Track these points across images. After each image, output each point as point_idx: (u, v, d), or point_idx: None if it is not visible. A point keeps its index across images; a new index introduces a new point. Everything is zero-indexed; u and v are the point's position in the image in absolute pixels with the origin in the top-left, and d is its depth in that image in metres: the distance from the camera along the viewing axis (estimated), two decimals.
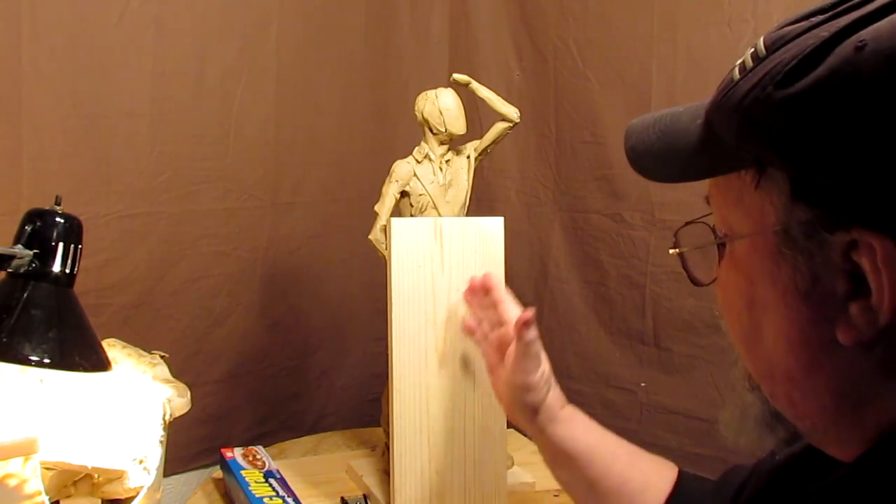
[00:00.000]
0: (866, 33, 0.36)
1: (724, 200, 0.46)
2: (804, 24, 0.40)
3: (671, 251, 0.52)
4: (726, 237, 0.47)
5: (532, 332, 0.80)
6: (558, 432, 0.78)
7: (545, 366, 0.81)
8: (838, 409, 0.42)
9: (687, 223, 0.52)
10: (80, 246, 0.83)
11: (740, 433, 0.50)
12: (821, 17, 0.39)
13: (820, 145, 0.38)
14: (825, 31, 0.38)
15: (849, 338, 0.39)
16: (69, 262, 0.82)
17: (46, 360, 0.77)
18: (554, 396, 0.80)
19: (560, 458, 0.79)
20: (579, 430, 0.78)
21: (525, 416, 0.81)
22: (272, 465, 1.13)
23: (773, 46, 0.41)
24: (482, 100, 1.13)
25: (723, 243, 0.47)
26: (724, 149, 0.43)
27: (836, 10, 0.39)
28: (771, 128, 0.39)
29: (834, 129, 0.37)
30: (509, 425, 1.08)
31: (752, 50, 0.42)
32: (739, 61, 0.44)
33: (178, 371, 1.00)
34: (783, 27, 0.41)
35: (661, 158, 0.49)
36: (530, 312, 0.81)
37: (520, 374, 0.80)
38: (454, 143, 1.13)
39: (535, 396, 0.79)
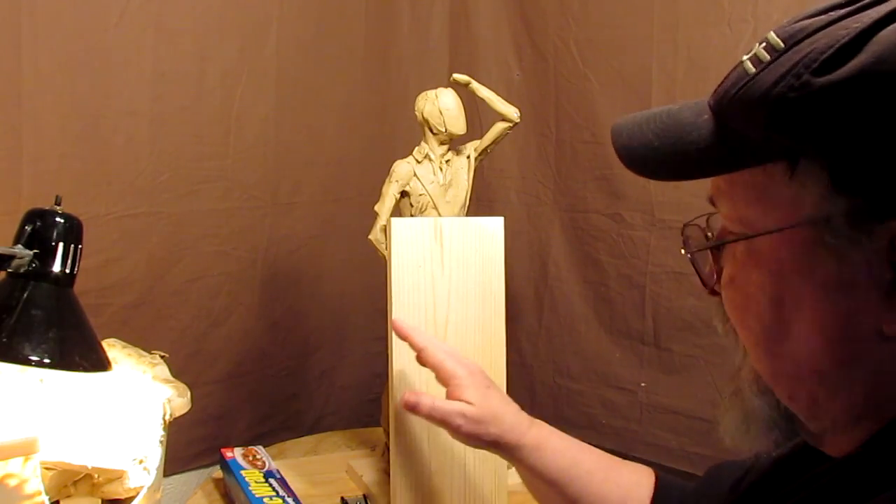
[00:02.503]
0: None
1: (742, 196, 0.45)
2: (823, 18, 0.40)
3: (683, 252, 0.50)
4: (740, 235, 0.45)
5: (421, 408, 0.78)
6: (527, 462, 0.75)
7: (469, 411, 0.77)
8: (867, 406, 0.42)
9: (686, 224, 0.51)
10: (80, 246, 0.83)
11: (744, 439, 0.49)
12: (842, 12, 0.40)
13: (865, 132, 0.37)
14: (857, 23, 0.38)
15: (894, 329, 0.39)
16: (69, 262, 0.82)
17: (46, 360, 0.77)
18: (505, 430, 0.76)
19: (535, 485, 0.78)
20: (548, 456, 0.75)
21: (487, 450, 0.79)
22: (272, 465, 1.13)
23: (791, 40, 0.41)
24: (482, 100, 1.13)
25: (725, 242, 0.46)
26: (742, 143, 0.42)
27: (859, 5, 0.39)
28: (809, 116, 0.39)
29: (880, 116, 0.37)
30: None
31: (764, 44, 0.42)
32: (748, 56, 0.43)
33: (178, 371, 1.00)
34: (797, 22, 0.42)
35: (665, 156, 0.48)
36: (407, 396, 0.80)
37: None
38: (454, 143, 1.13)
39: (476, 442, 0.77)
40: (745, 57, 0.44)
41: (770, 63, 0.41)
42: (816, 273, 0.41)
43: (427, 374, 1.00)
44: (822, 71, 0.38)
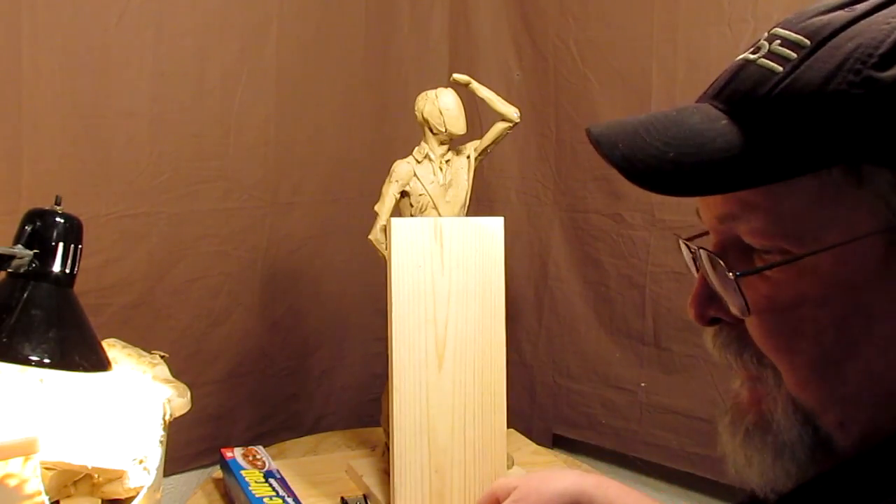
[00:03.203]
0: None
1: (790, 208, 0.40)
2: (844, 14, 0.39)
3: (730, 275, 0.42)
4: (787, 252, 0.41)
5: None
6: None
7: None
8: None
9: (699, 249, 0.46)
10: (80, 246, 0.83)
11: (771, 477, 0.44)
12: (863, 7, 0.39)
13: None
14: None
15: None
16: (69, 262, 0.82)
17: (46, 360, 0.77)
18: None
19: None
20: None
21: None
22: (272, 465, 1.13)
23: (817, 36, 0.39)
24: (482, 100, 1.13)
25: (787, 262, 0.41)
26: (789, 148, 0.39)
27: (878, 2, 0.39)
28: (876, 113, 0.37)
29: None
30: (509, 425, 1.08)
31: (779, 41, 0.41)
32: (758, 54, 0.41)
33: (178, 371, 1.00)
34: (809, 19, 0.41)
35: (686, 168, 0.41)
36: None
37: None
38: (454, 143, 1.13)
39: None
40: (751, 56, 0.42)
41: (804, 60, 0.39)
42: (894, 283, 0.39)
43: (426, 375, 1.00)
44: (883, 65, 0.37)
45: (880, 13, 0.39)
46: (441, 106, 1.08)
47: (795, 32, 0.40)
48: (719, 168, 0.40)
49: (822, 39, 0.39)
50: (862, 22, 0.39)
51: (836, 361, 0.40)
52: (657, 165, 0.42)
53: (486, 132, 1.13)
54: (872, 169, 0.38)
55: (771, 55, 0.41)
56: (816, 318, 0.40)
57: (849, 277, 0.39)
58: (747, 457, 0.45)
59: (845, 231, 0.39)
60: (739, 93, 0.42)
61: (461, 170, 1.12)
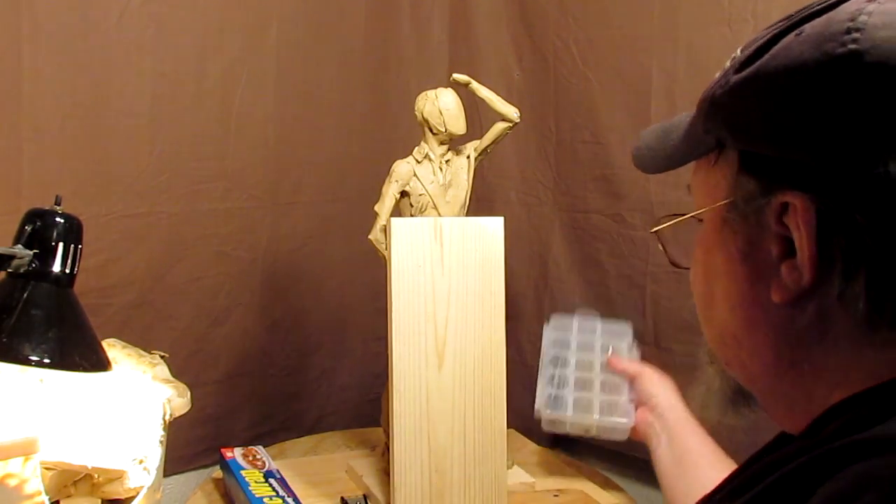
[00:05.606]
0: (809, 25, 0.41)
1: (695, 183, 0.51)
2: (772, 28, 0.45)
3: (651, 230, 0.57)
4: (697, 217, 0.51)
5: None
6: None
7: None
8: (779, 367, 0.45)
9: (670, 215, 0.56)
10: (80, 246, 0.83)
11: (705, 407, 0.55)
12: (784, 21, 0.44)
13: (758, 118, 0.42)
14: (780, 27, 0.43)
15: (779, 296, 0.43)
16: (69, 262, 0.82)
17: (46, 360, 0.77)
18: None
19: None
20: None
21: None
22: (272, 465, 1.14)
23: (745, 48, 0.46)
24: (482, 100, 1.13)
25: (674, 221, 0.52)
26: (696, 135, 0.49)
27: (795, 14, 0.44)
28: (725, 108, 0.45)
29: (767, 102, 0.42)
30: (509, 425, 1.08)
31: (734, 55, 0.47)
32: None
33: (178, 371, 1.00)
34: (767, 29, 0.46)
35: (657, 152, 0.55)
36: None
37: None
38: (454, 143, 1.13)
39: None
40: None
41: (724, 68, 0.46)
42: (725, 247, 0.47)
43: (426, 375, 1.00)
44: (738, 70, 0.44)
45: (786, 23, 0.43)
46: (441, 106, 1.08)
47: (742, 46, 0.46)
48: (666, 153, 0.54)
49: (742, 48, 0.46)
50: (771, 34, 0.44)
51: (707, 307, 0.51)
52: (644, 153, 0.56)
53: (486, 132, 1.13)
54: (726, 153, 0.46)
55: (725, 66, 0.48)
56: (697, 272, 0.51)
57: (707, 241, 0.49)
58: (694, 387, 0.58)
59: (708, 201, 0.48)
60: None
61: (461, 170, 1.12)
